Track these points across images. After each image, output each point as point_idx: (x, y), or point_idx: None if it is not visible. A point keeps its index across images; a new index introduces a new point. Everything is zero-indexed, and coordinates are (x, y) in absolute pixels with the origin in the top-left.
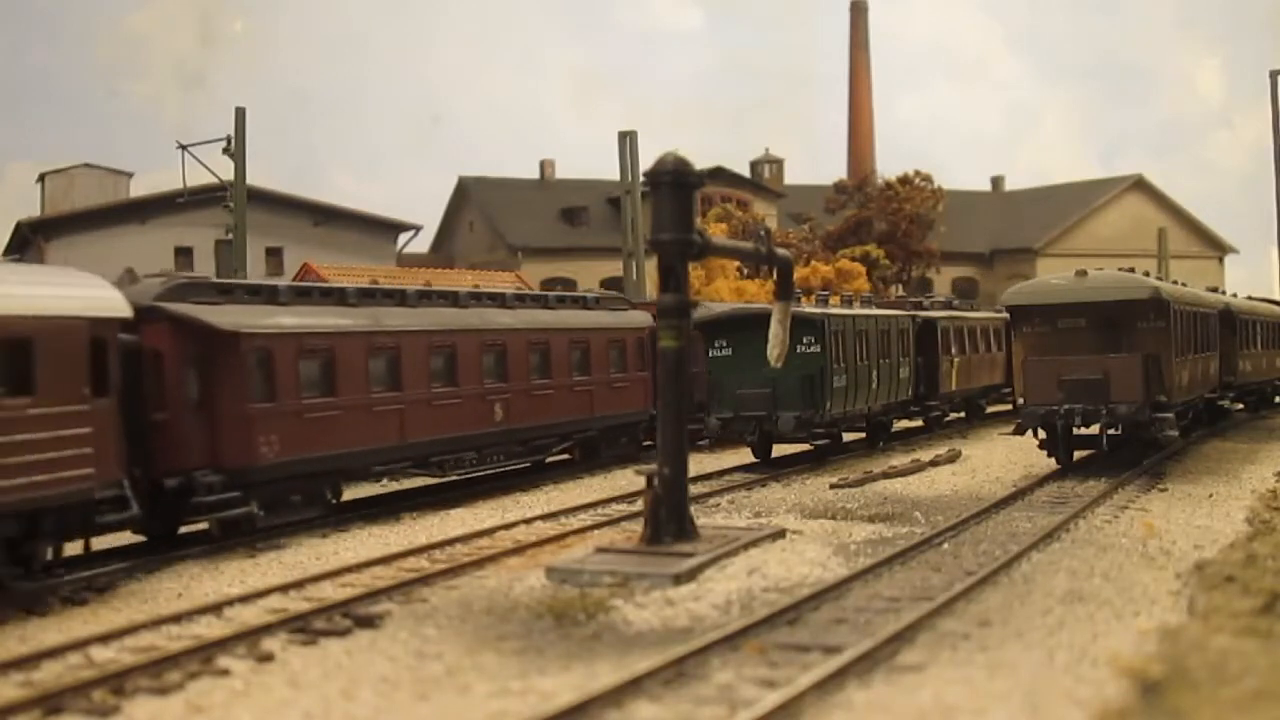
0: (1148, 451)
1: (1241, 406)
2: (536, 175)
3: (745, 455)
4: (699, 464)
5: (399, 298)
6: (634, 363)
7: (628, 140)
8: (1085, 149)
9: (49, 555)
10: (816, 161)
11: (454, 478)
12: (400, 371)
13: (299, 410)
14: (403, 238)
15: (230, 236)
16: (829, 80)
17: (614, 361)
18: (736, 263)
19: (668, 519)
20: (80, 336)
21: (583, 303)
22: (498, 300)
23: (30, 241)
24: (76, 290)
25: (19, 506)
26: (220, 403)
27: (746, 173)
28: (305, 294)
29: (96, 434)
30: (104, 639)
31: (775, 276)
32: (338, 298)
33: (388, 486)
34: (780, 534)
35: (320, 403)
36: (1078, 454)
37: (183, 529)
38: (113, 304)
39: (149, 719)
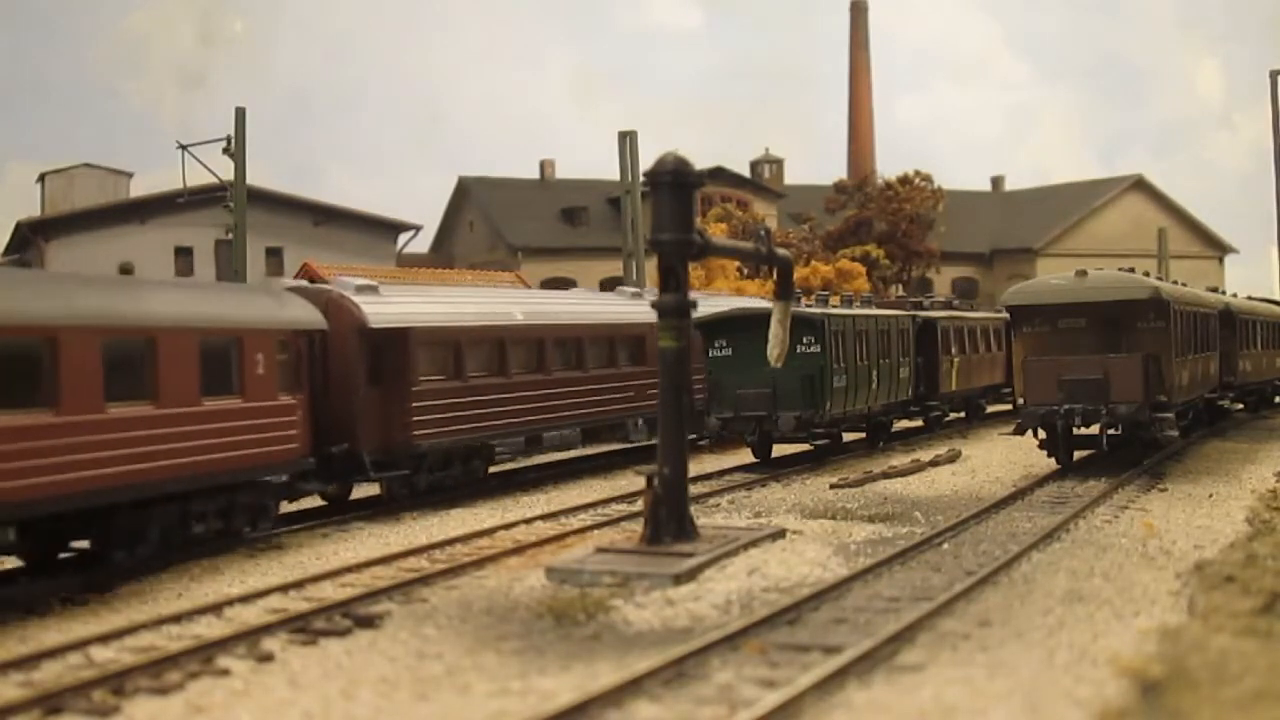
0: (1148, 451)
1: (1241, 406)
2: (536, 175)
3: (745, 455)
4: (699, 464)
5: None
6: None
7: (628, 140)
8: (1085, 149)
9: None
10: (816, 161)
11: None
12: None
13: None
14: (403, 238)
15: (230, 236)
16: (829, 80)
17: None
18: (736, 263)
19: (668, 519)
20: (642, 333)
21: None
22: None
23: (30, 241)
24: (641, 306)
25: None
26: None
27: (746, 173)
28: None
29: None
30: (104, 639)
31: (775, 276)
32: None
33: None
34: (780, 534)
35: None
36: (1078, 454)
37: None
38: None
39: (149, 719)
